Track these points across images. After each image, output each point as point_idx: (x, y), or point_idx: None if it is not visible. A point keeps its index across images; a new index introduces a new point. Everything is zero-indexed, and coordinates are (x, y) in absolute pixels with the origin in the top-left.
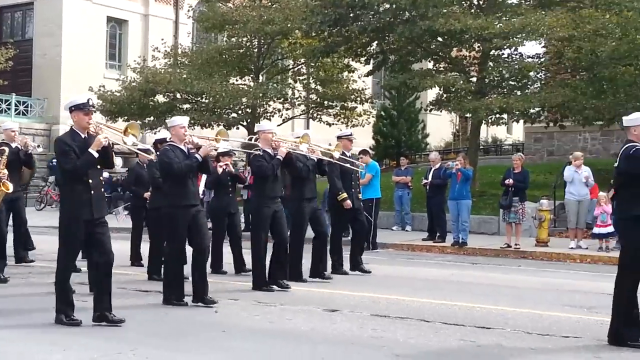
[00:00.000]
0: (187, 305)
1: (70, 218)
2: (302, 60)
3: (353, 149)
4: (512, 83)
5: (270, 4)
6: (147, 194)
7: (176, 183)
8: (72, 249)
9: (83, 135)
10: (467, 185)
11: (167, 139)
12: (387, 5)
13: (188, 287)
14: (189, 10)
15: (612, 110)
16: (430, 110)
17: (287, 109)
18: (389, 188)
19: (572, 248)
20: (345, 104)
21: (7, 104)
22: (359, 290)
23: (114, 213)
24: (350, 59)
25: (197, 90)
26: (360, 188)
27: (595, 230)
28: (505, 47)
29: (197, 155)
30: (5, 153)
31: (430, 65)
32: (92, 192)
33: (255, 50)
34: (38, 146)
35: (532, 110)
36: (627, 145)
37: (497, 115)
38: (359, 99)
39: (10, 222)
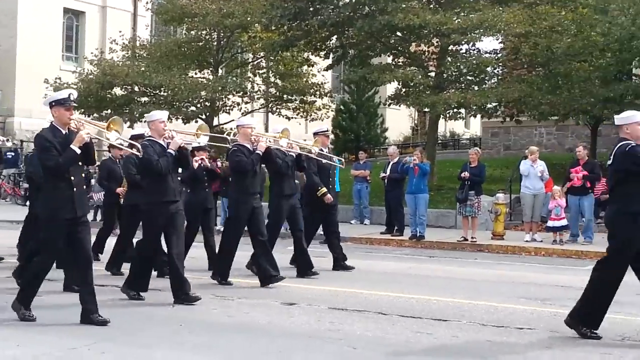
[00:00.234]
0: (143, 300)
1: (51, 216)
2: (262, 54)
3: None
4: (470, 78)
5: None
6: (119, 190)
7: (155, 179)
8: (52, 248)
9: (64, 131)
10: (425, 180)
11: (145, 135)
12: (347, 0)
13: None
14: (147, 3)
15: (567, 106)
16: (389, 105)
17: (247, 103)
18: (348, 182)
19: (527, 241)
20: (305, 98)
21: None
22: (317, 284)
23: None
24: (310, 53)
25: (155, 83)
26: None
27: (550, 223)
28: (463, 42)
29: (169, 150)
30: None
31: (389, 59)
32: (75, 189)
33: (215, 43)
34: (7, 140)
35: (489, 105)
36: (621, 144)
37: (455, 110)
38: (318, 93)
39: None
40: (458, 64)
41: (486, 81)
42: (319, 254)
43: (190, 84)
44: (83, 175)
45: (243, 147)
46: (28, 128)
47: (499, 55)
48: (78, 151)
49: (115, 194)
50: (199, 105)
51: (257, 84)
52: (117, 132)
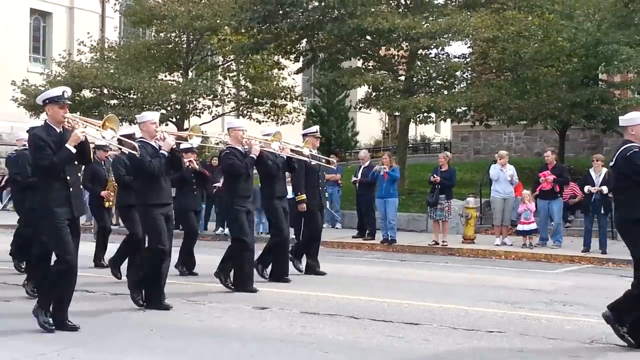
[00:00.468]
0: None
1: (51, 217)
2: (232, 57)
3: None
4: (440, 82)
5: None
6: (103, 193)
7: (148, 181)
8: (68, 249)
9: (58, 130)
10: (394, 185)
11: (134, 135)
12: (316, 3)
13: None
14: (115, 4)
15: (535, 111)
16: (360, 109)
17: (217, 106)
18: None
19: (497, 245)
20: (275, 102)
21: None
22: (288, 288)
23: None
24: (280, 56)
25: (124, 85)
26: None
27: (519, 227)
28: (432, 46)
29: (162, 151)
30: None
31: (359, 63)
32: (71, 189)
33: (184, 46)
34: None
35: (458, 110)
36: (624, 147)
37: (425, 114)
38: (288, 96)
39: None
40: (427, 68)
41: (455, 85)
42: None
43: (160, 86)
44: (79, 175)
45: (235, 150)
46: None
47: (468, 59)
48: (73, 150)
49: (99, 197)
50: (169, 108)
51: (228, 87)
52: (113, 130)
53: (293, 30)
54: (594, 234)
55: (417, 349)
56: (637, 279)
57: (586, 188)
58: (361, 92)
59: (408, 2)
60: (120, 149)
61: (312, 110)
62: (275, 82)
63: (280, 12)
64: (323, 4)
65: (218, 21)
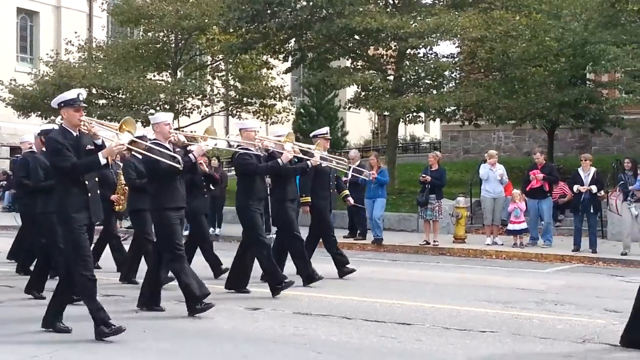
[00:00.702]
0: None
1: (70, 223)
2: (220, 57)
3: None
4: (428, 82)
5: None
6: (113, 197)
7: (163, 184)
8: (86, 255)
9: (75, 133)
10: (383, 186)
11: (145, 137)
12: (304, 3)
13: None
14: (103, 3)
15: (524, 110)
16: (349, 108)
17: (206, 106)
18: None
19: (488, 244)
20: (264, 101)
21: None
22: None
23: None
24: (269, 55)
25: (113, 85)
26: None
27: (510, 226)
28: (420, 46)
29: (191, 155)
30: None
31: (348, 63)
32: (89, 194)
33: (173, 45)
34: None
35: (447, 109)
36: None
37: (414, 114)
38: (277, 96)
39: None
40: (416, 68)
41: (444, 85)
42: None
43: (149, 86)
44: (97, 179)
45: (249, 151)
46: None
47: (456, 59)
48: (103, 161)
49: (109, 201)
50: (158, 108)
51: (217, 87)
52: (130, 132)
53: (281, 29)
54: (583, 233)
55: (409, 349)
56: None
57: (575, 187)
58: (350, 91)
59: (396, 1)
60: (137, 151)
61: (302, 110)
62: (264, 82)
63: (269, 11)
64: (311, 3)
65: (206, 21)
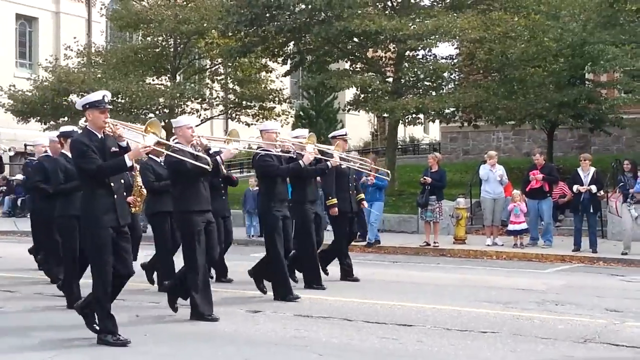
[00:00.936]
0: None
1: (95, 226)
2: (219, 60)
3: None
4: (427, 83)
5: (185, 3)
6: (130, 199)
7: (188, 187)
8: (105, 260)
9: (99, 135)
10: (382, 190)
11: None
12: (303, 6)
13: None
14: (101, 8)
15: (523, 111)
16: (348, 111)
17: (205, 110)
18: None
19: (488, 245)
20: (264, 104)
21: None
22: None
23: (29, 216)
24: (268, 59)
25: (112, 90)
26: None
27: (510, 227)
28: (419, 48)
29: (218, 157)
30: None
31: (347, 65)
32: (115, 196)
33: (172, 49)
34: (9, 149)
35: (447, 111)
36: None
37: (414, 115)
38: (277, 99)
39: None
40: (415, 70)
41: (443, 86)
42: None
43: (148, 90)
44: (122, 181)
45: (270, 152)
46: None
47: (455, 60)
48: (130, 164)
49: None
50: (157, 112)
51: (216, 91)
52: (155, 134)
53: (280, 33)
54: (584, 233)
55: (411, 350)
56: None
57: (575, 187)
58: (349, 94)
59: (395, 4)
60: (162, 152)
61: (301, 113)
62: (263, 85)
63: (267, 15)
64: (310, 6)
65: (205, 25)
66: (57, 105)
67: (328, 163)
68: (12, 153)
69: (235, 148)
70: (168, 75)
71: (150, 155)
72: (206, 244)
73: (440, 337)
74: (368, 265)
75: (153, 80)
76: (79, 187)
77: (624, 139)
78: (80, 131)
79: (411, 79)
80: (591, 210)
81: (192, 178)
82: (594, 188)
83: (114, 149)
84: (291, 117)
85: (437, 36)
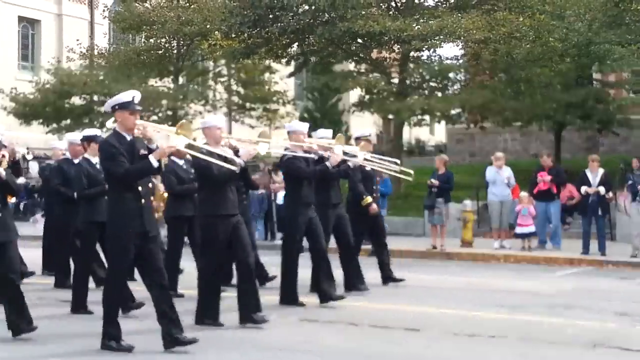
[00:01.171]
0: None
1: (120, 231)
2: (223, 62)
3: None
4: (433, 84)
5: (188, 4)
6: (153, 204)
7: (214, 190)
8: (123, 266)
9: (129, 138)
10: (384, 197)
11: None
12: (306, 7)
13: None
14: (104, 10)
15: (530, 111)
16: (353, 112)
17: (209, 112)
18: None
19: (496, 248)
20: (268, 106)
21: None
22: None
23: (31, 220)
24: (271, 60)
25: (115, 92)
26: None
27: (518, 230)
28: (424, 48)
29: (239, 160)
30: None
31: (351, 66)
32: (142, 200)
33: (175, 51)
34: (28, 153)
35: (453, 112)
36: None
37: (419, 117)
38: (281, 100)
39: None
40: (420, 71)
41: (449, 87)
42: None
43: (151, 92)
44: (150, 185)
45: (297, 154)
46: None
47: (461, 61)
48: (156, 164)
49: None
50: (160, 115)
51: (219, 92)
52: (186, 137)
53: (284, 34)
54: (592, 236)
55: (419, 355)
56: None
57: (583, 189)
58: (354, 95)
59: (399, 4)
60: (193, 154)
61: (305, 114)
62: (267, 87)
63: (271, 16)
64: (313, 7)
65: (208, 26)
66: (60, 107)
67: (349, 163)
68: (30, 157)
69: (254, 149)
70: (171, 77)
71: (172, 158)
72: (236, 244)
73: (448, 342)
74: (374, 269)
75: (156, 82)
76: (103, 192)
77: (633, 140)
78: (105, 135)
79: (416, 80)
80: (600, 213)
81: (220, 182)
82: (602, 190)
83: (142, 151)
84: (295, 118)
85: (441, 37)
